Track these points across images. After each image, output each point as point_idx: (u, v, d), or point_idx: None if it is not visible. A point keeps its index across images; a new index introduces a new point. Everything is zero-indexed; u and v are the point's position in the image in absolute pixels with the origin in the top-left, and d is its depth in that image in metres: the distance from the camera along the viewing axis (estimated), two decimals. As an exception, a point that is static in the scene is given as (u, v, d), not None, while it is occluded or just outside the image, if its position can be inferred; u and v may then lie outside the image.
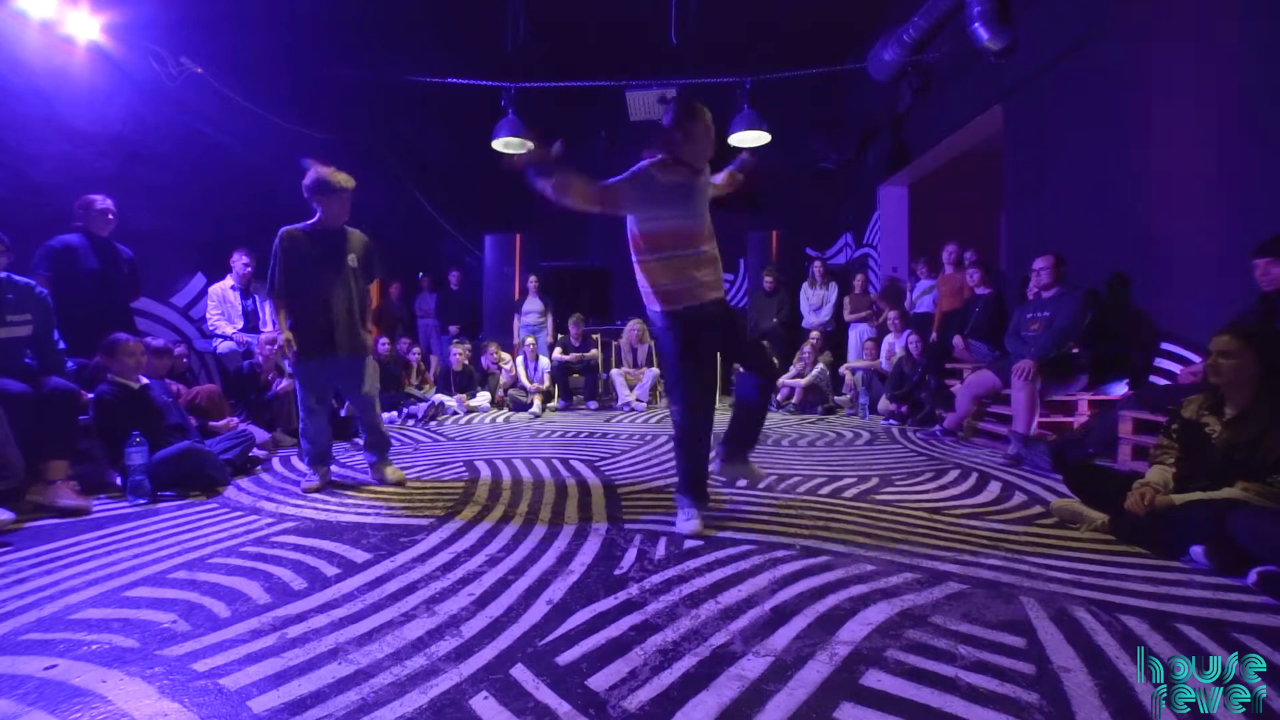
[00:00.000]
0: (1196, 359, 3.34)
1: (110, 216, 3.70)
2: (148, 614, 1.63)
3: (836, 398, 6.42)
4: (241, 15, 5.35)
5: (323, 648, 1.44)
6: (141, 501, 2.74)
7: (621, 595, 1.73)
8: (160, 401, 3.23)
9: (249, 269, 4.71)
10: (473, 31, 7.07)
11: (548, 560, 2.01)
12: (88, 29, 4.21)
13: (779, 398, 6.36)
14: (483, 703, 1.22)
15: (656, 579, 1.85)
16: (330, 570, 1.93)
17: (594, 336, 7.11)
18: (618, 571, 1.91)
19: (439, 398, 6.00)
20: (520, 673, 1.33)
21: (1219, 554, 1.89)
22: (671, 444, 4.17)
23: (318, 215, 2.98)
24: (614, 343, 7.09)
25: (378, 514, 2.56)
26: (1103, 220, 4.19)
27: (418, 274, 8.43)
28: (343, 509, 2.65)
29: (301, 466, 3.50)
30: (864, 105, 7.97)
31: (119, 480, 2.95)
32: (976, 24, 4.95)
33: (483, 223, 8.66)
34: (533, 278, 7.48)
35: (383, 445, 3.16)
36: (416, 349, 7.03)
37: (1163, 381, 3.63)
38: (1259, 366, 2.08)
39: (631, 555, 2.05)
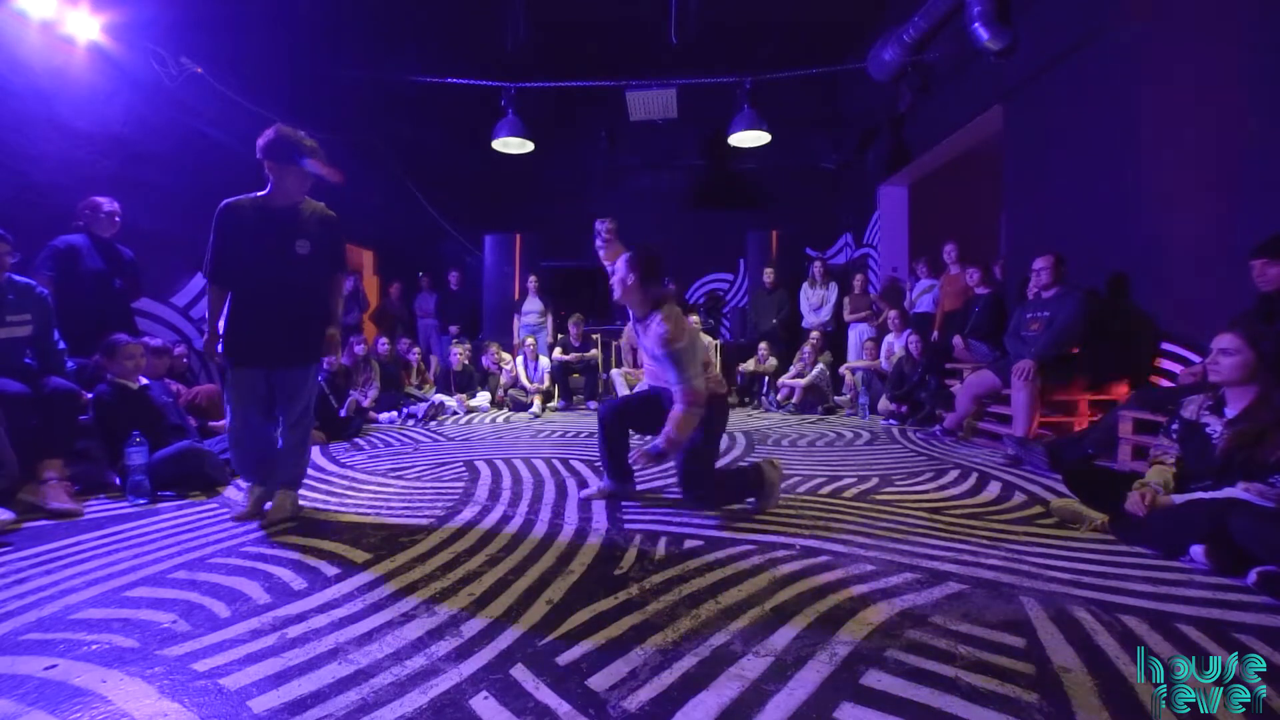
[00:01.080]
0: (1196, 359, 3.34)
1: (116, 220, 3.70)
2: (148, 614, 1.63)
3: (836, 398, 6.42)
4: (241, 15, 5.35)
5: (323, 648, 1.44)
6: (141, 501, 2.73)
7: (621, 595, 1.73)
8: (160, 401, 3.23)
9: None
10: (473, 31, 7.08)
11: (548, 560, 2.01)
12: (88, 29, 4.21)
13: (779, 397, 6.37)
14: (483, 703, 1.22)
15: (656, 579, 1.85)
16: (330, 570, 1.93)
17: (594, 336, 7.11)
18: (618, 571, 1.91)
19: (439, 398, 6.00)
20: (520, 673, 1.33)
21: (1219, 554, 1.89)
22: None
23: (269, 186, 2.43)
24: (614, 343, 7.09)
25: (378, 514, 2.56)
26: (1103, 220, 4.19)
27: (418, 274, 8.43)
28: (343, 509, 2.65)
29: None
30: (864, 105, 7.97)
31: (119, 480, 2.95)
32: (976, 24, 4.95)
33: (483, 223, 8.67)
34: (533, 278, 7.48)
35: (293, 478, 2.55)
36: (416, 349, 7.03)
37: (1163, 382, 3.63)
38: (1260, 366, 2.09)
39: (631, 555, 2.05)
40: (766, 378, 6.65)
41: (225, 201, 2.41)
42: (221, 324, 2.44)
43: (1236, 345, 2.11)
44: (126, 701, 1.23)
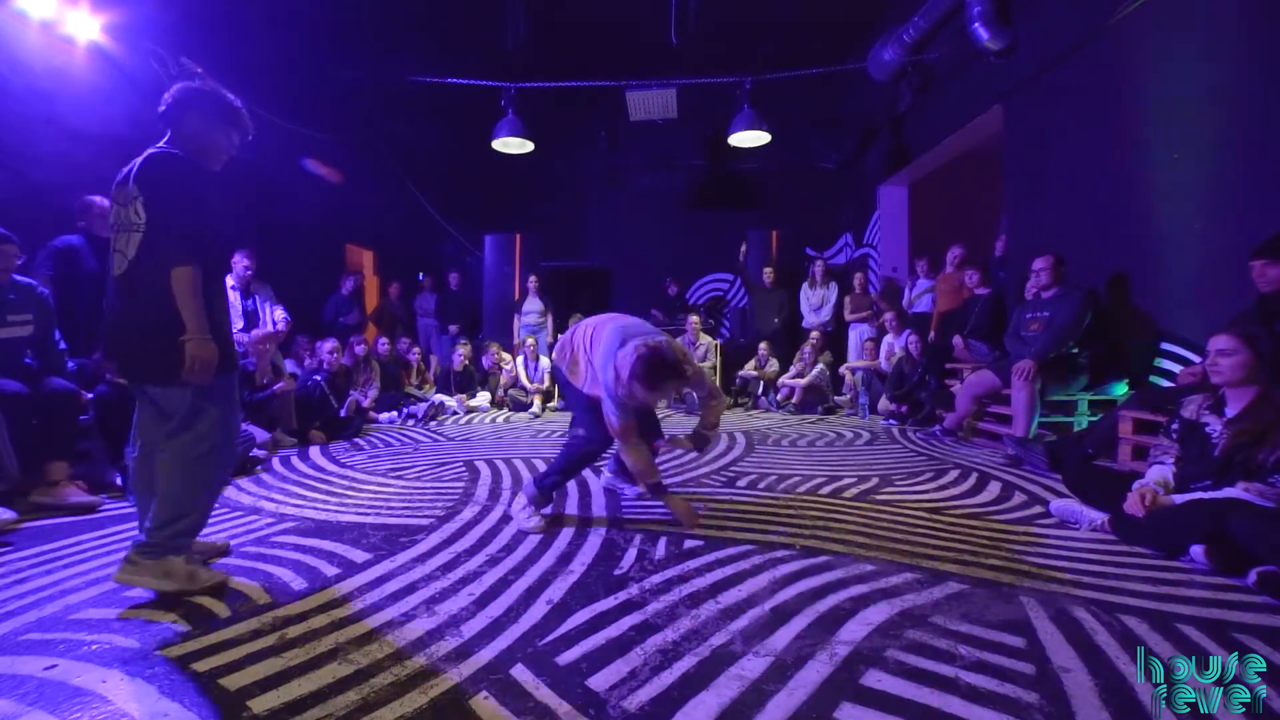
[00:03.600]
0: (1196, 359, 3.34)
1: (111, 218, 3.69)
2: (148, 614, 1.63)
3: (836, 398, 6.42)
4: (241, 16, 5.34)
5: (323, 648, 1.44)
6: (141, 501, 2.73)
7: (621, 595, 1.73)
8: (160, 401, 3.23)
9: (249, 270, 4.71)
10: (473, 31, 7.07)
11: (548, 560, 2.01)
12: (88, 29, 4.21)
13: (779, 397, 6.36)
14: (483, 703, 1.22)
15: (656, 579, 1.85)
16: (330, 570, 1.93)
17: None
18: (618, 571, 1.91)
19: (439, 398, 6.00)
20: (520, 673, 1.33)
21: (1219, 554, 1.89)
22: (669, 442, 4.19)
23: (198, 150, 1.94)
24: (614, 343, 7.07)
25: (378, 514, 2.56)
26: (1103, 220, 4.18)
27: (418, 274, 8.43)
28: (343, 509, 2.65)
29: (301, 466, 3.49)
30: (864, 105, 7.96)
31: (120, 480, 2.95)
32: (976, 24, 4.95)
33: (483, 223, 8.67)
34: (533, 278, 7.48)
35: (162, 537, 1.74)
36: (416, 349, 7.03)
37: (1163, 382, 3.63)
38: (1258, 366, 2.09)
39: (631, 555, 2.05)
40: (763, 381, 6.66)
41: (182, 154, 1.87)
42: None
43: (1234, 346, 2.11)
44: (126, 701, 1.23)
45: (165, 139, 1.92)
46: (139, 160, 1.84)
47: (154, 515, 1.75)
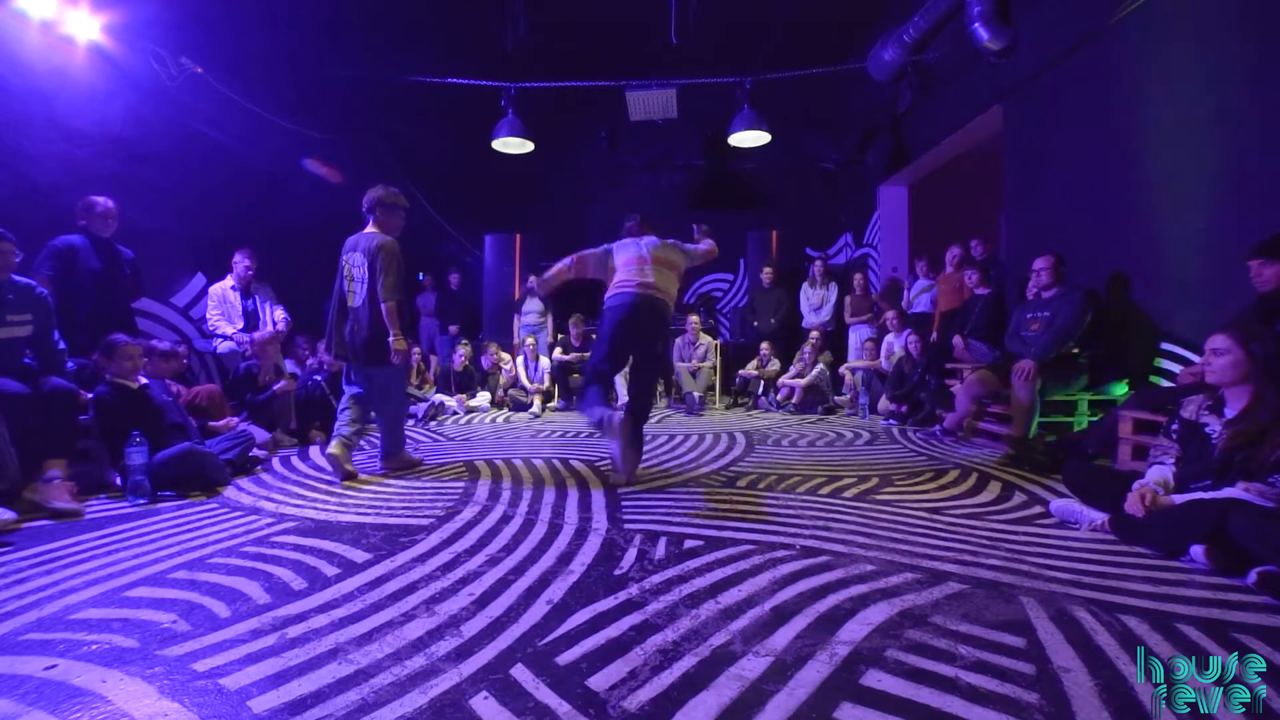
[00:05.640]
0: (1196, 359, 3.34)
1: (112, 218, 3.70)
2: (148, 614, 1.63)
3: (836, 398, 6.42)
4: (241, 15, 5.34)
5: (323, 648, 1.44)
6: (141, 501, 2.73)
7: (621, 595, 1.73)
8: (160, 401, 3.23)
9: (250, 271, 4.72)
10: (473, 31, 7.07)
11: (548, 560, 2.01)
12: (88, 29, 4.21)
13: (779, 397, 6.36)
14: (483, 703, 1.22)
15: (656, 579, 1.85)
16: (330, 570, 1.93)
17: (594, 336, 7.10)
18: (618, 571, 1.91)
19: (439, 398, 6.00)
20: (520, 673, 1.33)
21: (1219, 554, 1.89)
22: (671, 442, 4.20)
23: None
24: (614, 343, 7.07)
25: (378, 514, 2.56)
26: (1103, 220, 4.18)
27: (418, 274, 8.42)
28: (343, 509, 2.65)
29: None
30: (864, 105, 7.96)
31: (119, 480, 2.95)
32: (976, 24, 4.95)
33: (483, 223, 8.66)
34: (533, 277, 7.47)
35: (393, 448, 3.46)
36: (417, 349, 7.02)
37: (1163, 382, 3.63)
38: (1252, 365, 2.08)
39: (631, 555, 2.05)
40: (764, 381, 6.65)
41: (386, 235, 3.32)
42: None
43: (1227, 345, 2.11)
44: (126, 701, 1.23)
45: (369, 224, 3.39)
46: (364, 239, 3.31)
47: (384, 443, 3.47)
